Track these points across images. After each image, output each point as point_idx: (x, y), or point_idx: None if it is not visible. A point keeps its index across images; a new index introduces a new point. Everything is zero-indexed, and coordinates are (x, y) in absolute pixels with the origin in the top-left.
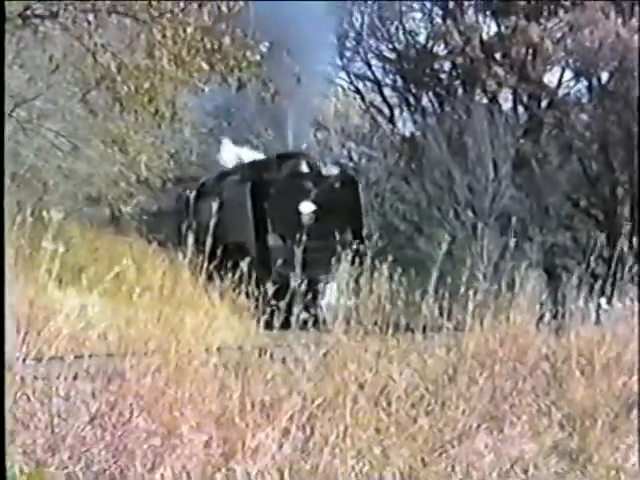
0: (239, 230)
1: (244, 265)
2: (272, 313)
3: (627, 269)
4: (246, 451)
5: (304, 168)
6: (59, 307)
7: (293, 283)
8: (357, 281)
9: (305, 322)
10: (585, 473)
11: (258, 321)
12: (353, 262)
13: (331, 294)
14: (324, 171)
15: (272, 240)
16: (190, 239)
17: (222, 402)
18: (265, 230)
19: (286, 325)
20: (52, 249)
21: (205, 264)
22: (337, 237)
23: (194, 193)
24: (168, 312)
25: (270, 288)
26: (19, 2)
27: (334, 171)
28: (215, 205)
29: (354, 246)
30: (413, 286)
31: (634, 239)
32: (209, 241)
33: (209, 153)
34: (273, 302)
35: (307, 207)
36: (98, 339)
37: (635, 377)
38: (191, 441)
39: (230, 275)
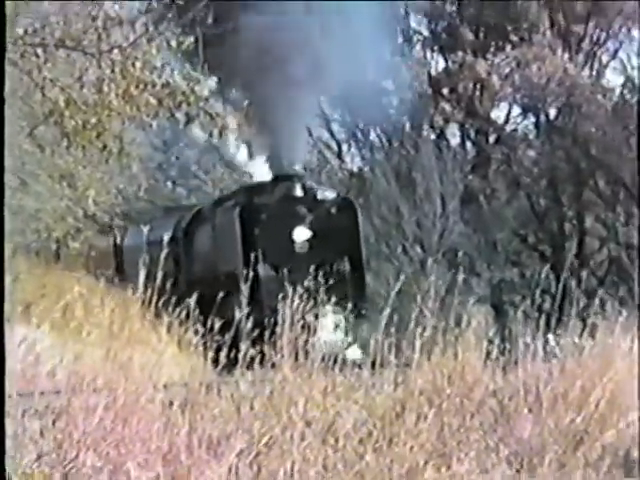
0: (229, 259)
1: (191, 301)
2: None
3: (574, 304)
4: None
5: (298, 191)
6: (6, 344)
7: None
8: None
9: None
10: None
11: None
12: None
13: (324, 329)
14: (320, 195)
15: (262, 270)
16: (142, 274)
17: (169, 439)
18: (255, 259)
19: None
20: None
21: (154, 299)
22: (334, 267)
23: (186, 221)
24: (117, 348)
25: (217, 323)
26: None
27: (330, 195)
28: (166, 237)
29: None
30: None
31: (582, 274)
32: (160, 275)
33: (157, 188)
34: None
35: (301, 234)
36: (47, 376)
37: (582, 414)
38: (138, 478)
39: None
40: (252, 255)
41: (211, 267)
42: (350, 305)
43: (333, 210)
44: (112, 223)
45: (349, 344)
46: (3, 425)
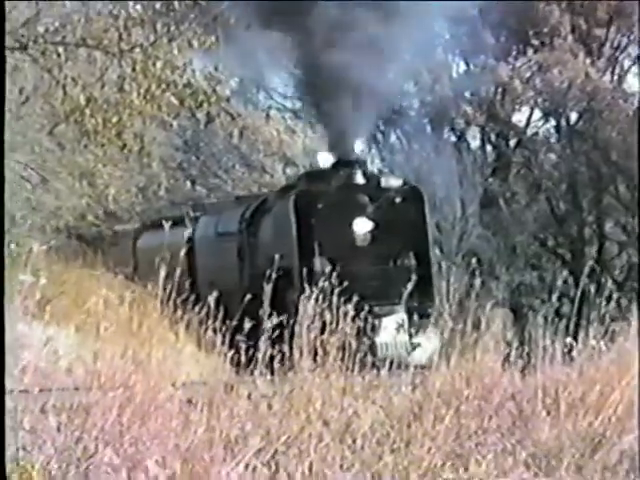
0: (285, 252)
1: (211, 300)
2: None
3: (596, 309)
4: None
5: (359, 179)
6: (26, 340)
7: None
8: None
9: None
10: None
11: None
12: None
13: (388, 330)
14: (384, 182)
15: (319, 265)
16: (163, 271)
17: (187, 437)
18: (311, 252)
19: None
20: (30, 282)
21: (173, 297)
22: (398, 262)
23: (250, 212)
24: (135, 345)
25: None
26: None
27: (396, 183)
28: (186, 234)
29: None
30: None
31: (601, 279)
32: (178, 272)
33: (177, 187)
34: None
35: (362, 225)
36: (65, 373)
37: (600, 417)
38: (156, 476)
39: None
40: (308, 248)
41: (271, 261)
42: (415, 304)
43: (398, 199)
44: (185, 214)
45: (414, 346)
46: (3, 425)
